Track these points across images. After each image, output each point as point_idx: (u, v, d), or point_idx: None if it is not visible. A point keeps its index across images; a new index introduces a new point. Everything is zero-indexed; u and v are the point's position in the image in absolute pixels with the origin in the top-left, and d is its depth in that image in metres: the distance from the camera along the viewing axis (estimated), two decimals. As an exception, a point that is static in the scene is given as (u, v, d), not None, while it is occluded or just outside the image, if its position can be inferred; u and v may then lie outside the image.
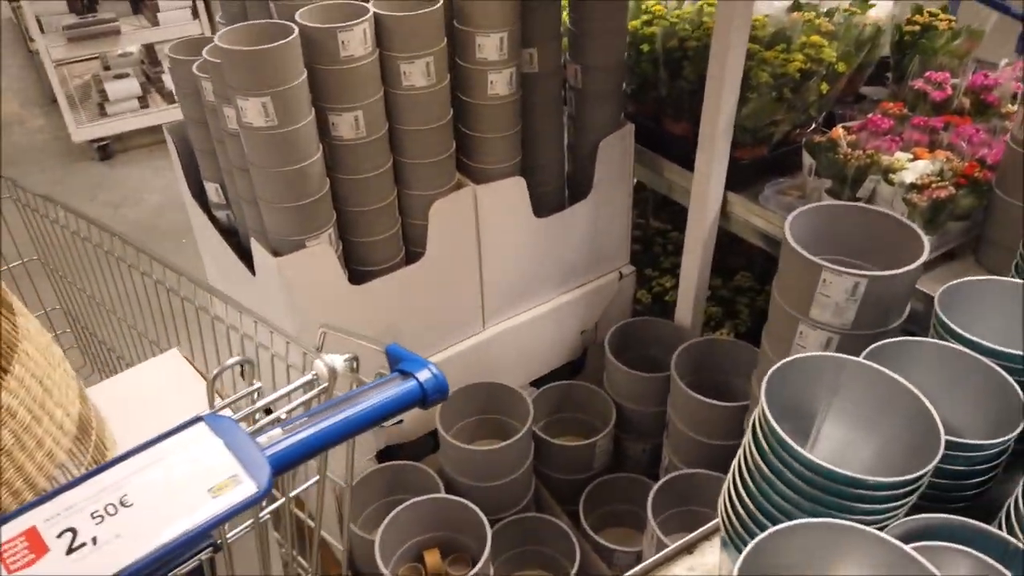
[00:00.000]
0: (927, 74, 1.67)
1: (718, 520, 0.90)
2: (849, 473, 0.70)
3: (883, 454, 0.83)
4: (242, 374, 1.47)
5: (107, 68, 4.23)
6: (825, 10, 1.81)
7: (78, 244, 1.39)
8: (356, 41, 1.28)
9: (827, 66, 1.59)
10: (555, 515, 1.72)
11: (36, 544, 0.57)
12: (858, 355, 1.10)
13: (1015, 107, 1.61)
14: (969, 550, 0.68)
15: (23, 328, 0.81)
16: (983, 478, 0.82)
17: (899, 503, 0.73)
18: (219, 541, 0.90)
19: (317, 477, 0.99)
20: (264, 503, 0.96)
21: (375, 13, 1.31)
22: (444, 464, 1.69)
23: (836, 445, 0.87)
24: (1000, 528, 0.74)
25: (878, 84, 1.98)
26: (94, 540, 0.57)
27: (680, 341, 1.82)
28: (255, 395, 0.79)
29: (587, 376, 2.07)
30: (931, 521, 0.70)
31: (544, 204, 1.76)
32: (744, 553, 0.65)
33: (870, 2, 1.89)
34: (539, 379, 1.96)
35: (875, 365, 0.80)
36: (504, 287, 1.73)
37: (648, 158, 1.85)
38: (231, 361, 0.77)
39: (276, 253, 1.40)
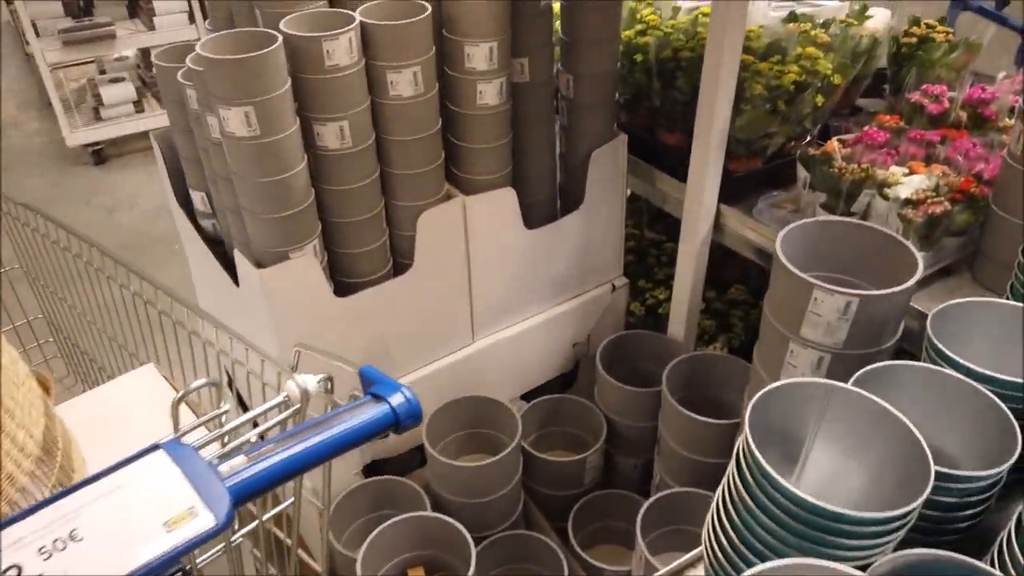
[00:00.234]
0: (924, 87, 1.64)
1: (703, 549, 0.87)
2: (834, 508, 0.67)
3: (873, 483, 0.80)
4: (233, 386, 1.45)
5: (103, 72, 4.22)
6: (821, 21, 1.79)
7: (58, 254, 1.37)
8: (342, 50, 1.26)
9: (822, 78, 1.56)
10: (544, 532, 1.69)
11: (-22, 582, 0.54)
12: (850, 375, 1.08)
13: (1013, 121, 1.59)
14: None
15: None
16: (975, 510, 0.79)
17: (887, 538, 0.70)
18: (188, 567, 0.87)
19: (293, 499, 0.96)
20: (236, 526, 0.94)
21: (361, 22, 1.29)
22: (431, 480, 1.66)
23: (825, 472, 0.84)
24: (992, 564, 0.72)
25: (875, 96, 1.95)
26: (39, 579, 0.55)
27: (673, 355, 1.79)
28: (222, 418, 0.76)
29: (579, 389, 2.04)
30: (922, 557, 0.68)
31: (535, 215, 1.73)
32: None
33: (867, 13, 1.88)
34: (530, 392, 1.94)
35: (863, 392, 0.77)
36: (494, 299, 1.71)
37: (641, 169, 1.83)
38: (196, 384, 0.74)
39: (259, 264, 1.37)
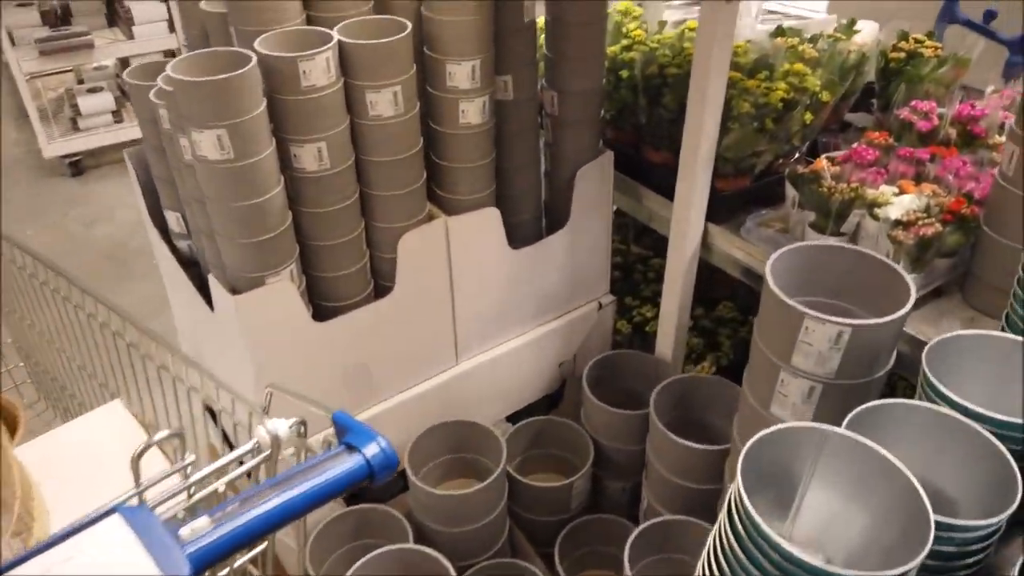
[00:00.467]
0: (913, 103, 1.62)
1: (694, 595, 0.84)
2: (831, 569, 0.64)
3: (873, 528, 0.77)
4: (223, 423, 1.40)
5: (81, 82, 4.15)
6: (809, 36, 1.77)
7: (24, 279, 1.32)
8: (319, 70, 1.22)
9: (811, 95, 1.54)
10: (529, 559, 1.65)
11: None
12: (842, 405, 1.05)
13: (1002, 138, 1.57)
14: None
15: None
16: (975, 558, 0.76)
17: (886, 594, 0.67)
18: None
19: (266, 543, 0.92)
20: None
21: (339, 41, 1.25)
22: (413, 507, 1.62)
23: (822, 517, 0.81)
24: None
25: (863, 110, 1.94)
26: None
27: (661, 375, 1.76)
28: (187, 470, 0.72)
29: (565, 409, 2.00)
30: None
31: (520, 234, 1.70)
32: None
33: (855, 28, 1.86)
34: (515, 412, 1.90)
35: (859, 438, 0.74)
36: (478, 321, 1.67)
37: (628, 186, 1.80)
38: (157, 437, 0.70)
39: (235, 290, 1.33)
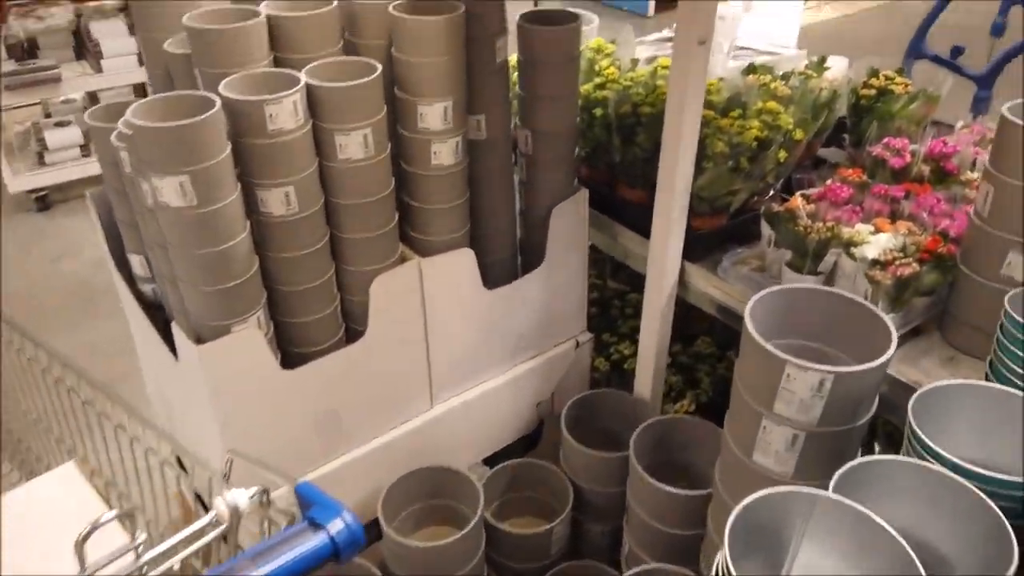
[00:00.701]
0: (885, 140, 1.63)
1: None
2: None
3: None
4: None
5: (48, 115, 4.08)
6: (780, 73, 1.77)
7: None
8: (286, 113, 1.19)
9: (784, 133, 1.54)
10: (509, 609, 1.60)
11: None
12: (826, 452, 1.02)
13: (974, 174, 1.58)
14: None
15: None
16: (971, 623, 0.74)
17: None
18: None
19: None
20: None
21: (307, 83, 1.22)
22: (387, 558, 1.56)
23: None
24: None
25: (835, 145, 1.94)
26: None
27: (640, 415, 1.73)
28: (139, 549, 0.67)
29: (544, 448, 1.96)
30: None
31: (495, 274, 1.67)
32: None
33: (825, 65, 1.87)
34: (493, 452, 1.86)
35: (848, 503, 0.72)
36: (453, 363, 1.63)
37: (603, 223, 1.78)
38: (106, 517, 0.65)
39: (199, 339, 1.28)
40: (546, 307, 1.74)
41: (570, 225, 1.67)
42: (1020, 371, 0.97)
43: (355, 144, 1.27)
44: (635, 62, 1.82)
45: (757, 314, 1.13)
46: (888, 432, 1.82)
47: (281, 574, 0.62)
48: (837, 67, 1.94)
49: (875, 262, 1.33)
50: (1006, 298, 1.06)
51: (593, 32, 1.96)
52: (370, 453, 1.57)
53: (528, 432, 1.91)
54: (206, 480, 0.91)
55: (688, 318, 2.10)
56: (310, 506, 0.68)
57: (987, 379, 1.07)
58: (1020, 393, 0.90)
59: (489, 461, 1.85)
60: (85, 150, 3.89)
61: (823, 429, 1.06)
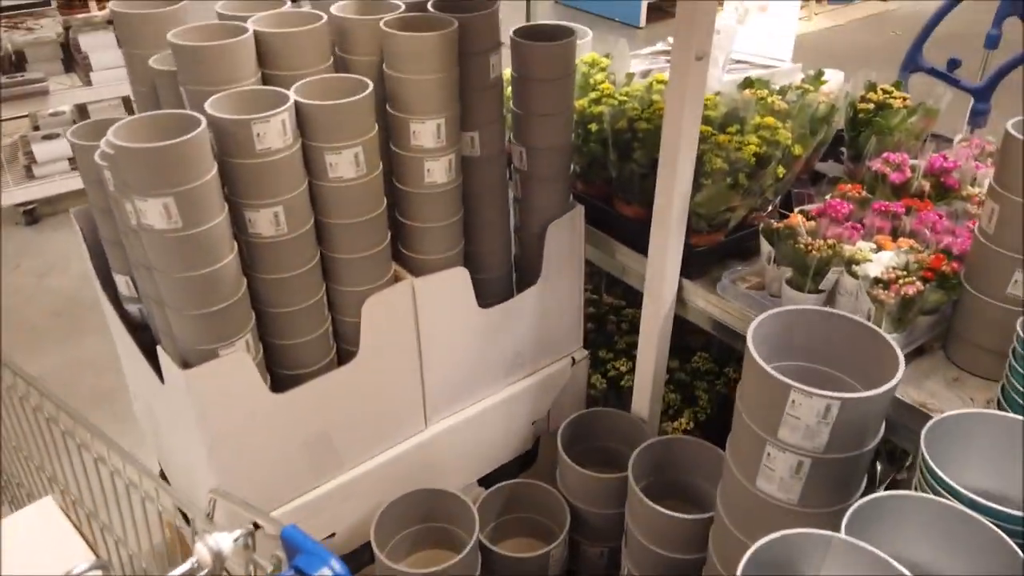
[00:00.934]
0: (885, 155, 1.61)
1: None
2: None
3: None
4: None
5: (37, 128, 4.03)
6: (777, 88, 1.75)
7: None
8: (274, 133, 1.15)
9: (783, 149, 1.51)
10: (505, 636, 1.56)
11: None
12: (833, 479, 0.99)
13: (976, 189, 1.56)
14: None
15: None
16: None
17: None
18: None
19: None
20: None
21: (296, 101, 1.19)
22: (381, 585, 1.52)
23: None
24: None
25: (832, 159, 1.92)
26: None
27: (638, 434, 1.70)
28: (116, 600, 0.63)
29: (540, 466, 1.93)
30: None
31: (490, 292, 1.64)
32: None
33: (822, 78, 1.85)
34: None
35: (862, 544, 0.68)
36: (447, 383, 1.60)
37: (600, 240, 1.75)
38: (78, 569, 0.62)
39: (185, 363, 1.24)
40: (542, 325, 1.71)
41: (566, 242, 1.64)
42: (1032, 397, 0.95)
43: (346, 163, 1.24)
44: (630, 76, 1.80)
45: (759, 337, 1.10)
46: (889, 450, 1.79)
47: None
48: (833, 80, 1.92)
49: (877, 280, 1.31)
50: (1018, 322, 1.03)
51: (587, 46, 1.94)
52: (363, 476, 1.53)
53: (524, 451, 1.87)
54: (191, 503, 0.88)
55: (684, 332, 2.08)
56: (296, 553, 0.65)
57: (999, 405, 1.05)
58: (1032, 420, 0.87)
59: (484, 479, 1.81)
60: (74, 163, 3.84)
61: (829, 456, 1.03)
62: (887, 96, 1.76)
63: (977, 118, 2.17)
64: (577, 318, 1.80)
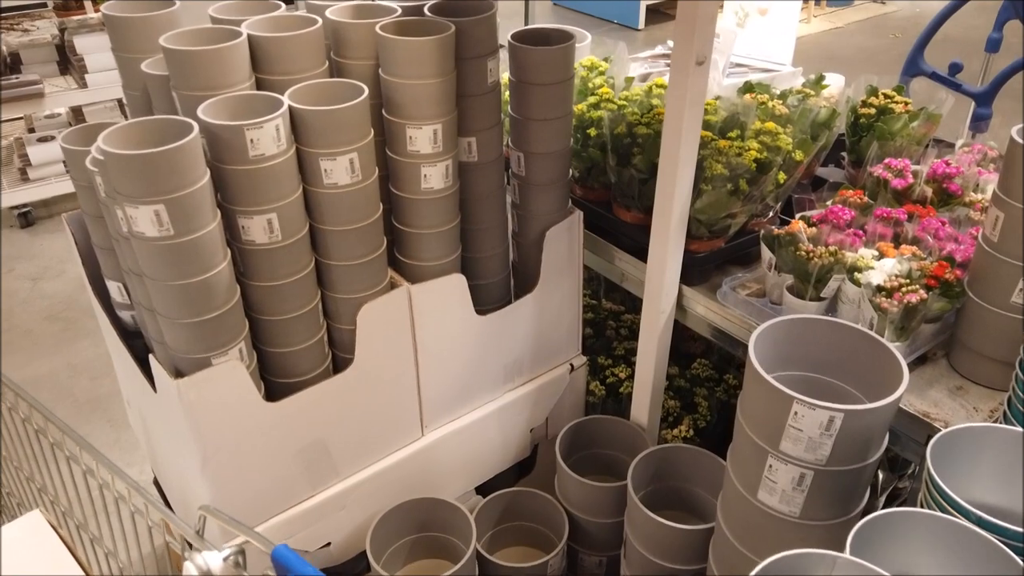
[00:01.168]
0: (887, 161, 1.59)
1: None
2: None
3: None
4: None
5: (32, 130, 4.01)
6: (778, 92, 1.74)
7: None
8: (268, 139, 1.14)
9: (784, 155, 1.50)
10: (503, 647, 1.54)
11: None
12: (835, 492, 0.98)
13: (978, 196, 1.54)
14: None
15: None
16: None
17: None
18: None
19: None
20: None
21: (290, 107, 1.17)
22: (376, 596, 1.50)
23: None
24: None
25: (833, 163, 1.91)
26: None
27: (637, 441, 1.68)
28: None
29: (538, 474, 1.91)
30: None
31: (487, 298, 1.62)
32: None
33: (823, 83, 1.83)
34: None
35: (867, 566, 0.67)
36: (444, 390, 1.58)
37: (599, 246, 1.73)
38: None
39: (178, 372, 1.22)
40: (540, 331, 1.69)
41: (564, 248, 1.63)
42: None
43: (341, 169, 1.22)
44: (629, 80, 1.78)
45: (761, 346, 1.09)
46: (891, 458, 1.78)
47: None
48: (834, 84, 1.90)
49: (880, 288, 1.29)
50: (1024, 334, 1.01)
51: (586, 50, 1.92)
52: (359, 485, 1.51)
53: (522, 458, 1.86)
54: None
55: (684, 338, 2.06)
56: (287, 573, 0.63)
57: (1004, 417, 1.03)
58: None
59: (482, 487, 1.79)
60: (69, 166, 3.82)
61: (832, 468, 1.01)
62: (888, 101, 1.75)
63: (979, 123, 2.16)
64: (575, 324, 1.78)
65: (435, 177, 1.36)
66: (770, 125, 1.53)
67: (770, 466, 1.06)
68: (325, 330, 1.41)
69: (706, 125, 1.51)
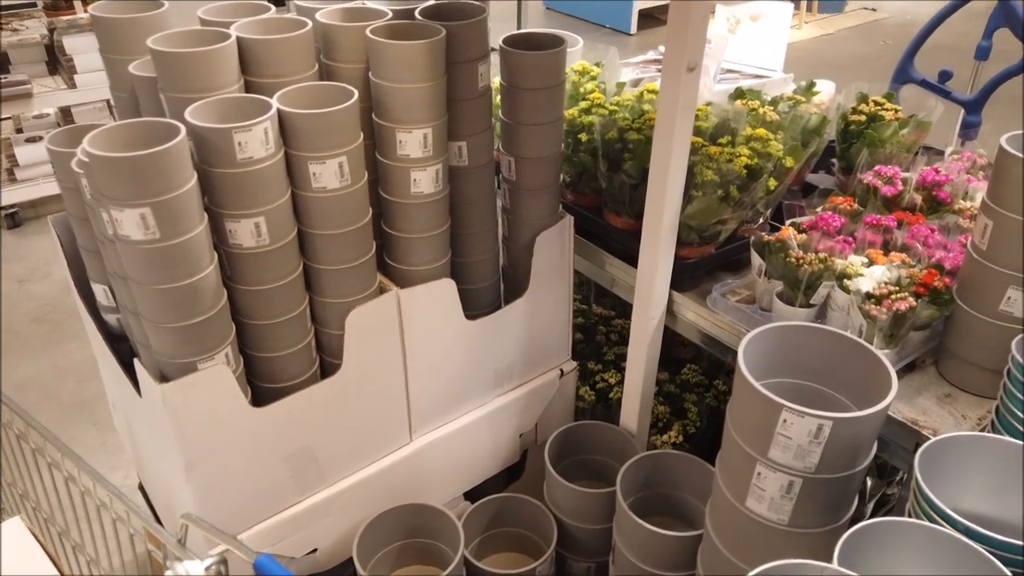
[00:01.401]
0: (877, 168, 1.59)
1: None
2: None
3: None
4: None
5: (20, 131, 3.98)
6: (769, 98, 1.74)
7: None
8: (256, 142, 1.13)
9: (774, 161, 1.50)
10: (491, 654, 1.53)
11: None
12: (824, 500, 0.97)
13: (967, 203, 1.55)
14: None
15: None
16: None
17: None
18: None
19: None
20: None
21: (279, 110, 1.16)
22: (363, 603, 1.49)
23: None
24: None
25: (823, 170, 1.91)
26: None
27: (626, 447, 1.68)
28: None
29: (528, 479, 1.90)
30: None
31: (477, 303, 1.61)
32: None
33: (814, 89, 1.84)
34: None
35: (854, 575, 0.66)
36: (433, 396, 1.57)
37: (590, 251, 1.73)
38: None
39: (163, 376, 1.21)
40: (530, 336, 1.68)
41: (554, 253, 1.62)
42: (1026, 418, 0.93)
43: (330, 173, 1.21)
44: (621, 85, 1.78)
45: (750, 354, 1.08)
46: (880, 464, 1.78)
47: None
48: (825, 91, 1.91)
49: (869, 296, 1.29)
50: (1013, 344, 1.01)
51: (577, 54, 1.92)
52: (346, 491, 1.50)
53: (511, 464, 1.85)
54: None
55: (674, 344, 2.06)
56: (270, 584, 0.62)
57: (992, 426, 1.03)
58: (1028, 443, 0.86)
59: (471, 492, 1.78)
60: (58, 166, 3.79)
61: (821, 476, 1.01)
62: (879, 108, 1.75)
63: (968, 130, 2.17)
64: (566, 330, 1.78)
65: (425, 181, 1.35)
66: (761, 131, 1.53)
67: (759, 473, 1.06)
68: (313, 335, 1.40)
69: (697, 131, 1.51)
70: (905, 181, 1.57)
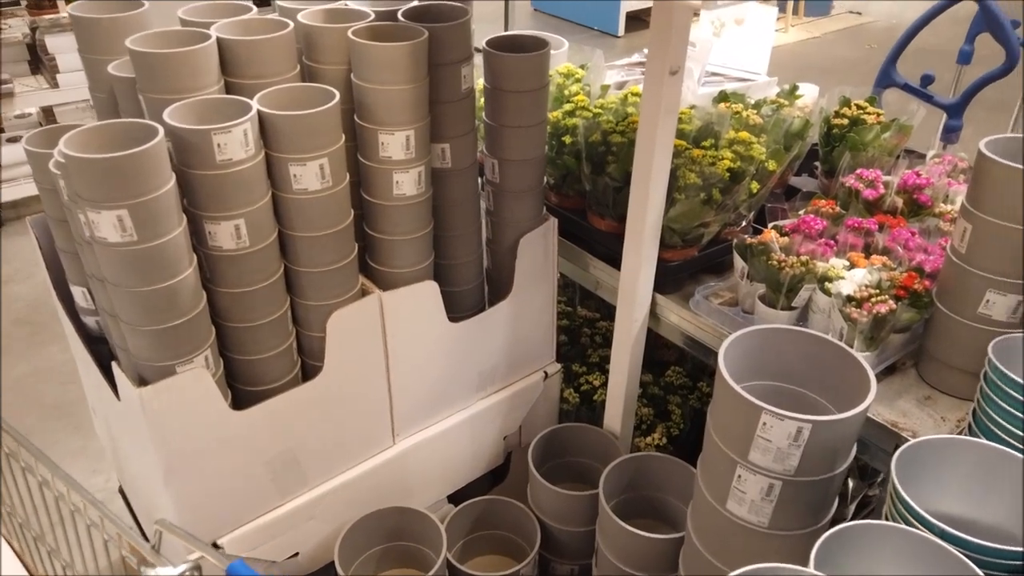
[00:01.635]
0: (858, 171, 1.60)
1: None
2: None
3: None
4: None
5: (1, 130, 3.94)
6: (752, 102, 1.74)
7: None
8: (235, 143, 1.12)
9: (757, 164, 1.50)
10: (473, 658, 1.53)
11: None
12: (804, 502, 0.98)
13: (948, 207, 1.56)
14: None
15: None
16: None
17: None
18: None
19: None
20: None
21: (260, 111, 1.16)
22: (345, 607, 1.48)
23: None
24: None
25: (806, 173, 1.92)
26: None
27: (610, 449, 1.68)
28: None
29: (512, 481, 1.90)
30: None
31: (460, 305, 1.61)
32: None
33: (797, 92, 1.85)
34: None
35: (834, 580, 0.66)
36: (416, 399, 1.57)
37: (574, 253, 1.73)
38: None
39: (141, 380, 1.20)
40: (513, 339, 1.68)
41: (538, 255, 1.62)
42: (1003, 423, 0.93)
43: (311, 175, 1.20)
44: (605, 88, 1.78)
45: (731, 356, 1.08)
46: (861, 465, 1.79)
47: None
48: (808, 94, 1.92)
49: (850, 298, 1.30)
50: (989, 348, 1.02)
51: (562, 56, 1.92)
52: (328, 494, 1.50)
53: (495, 466, 1.84)
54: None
55: (658, 346, 2.06)
56: (243, 591, 0.61)
57: (969, 429, 1.04)
58: (1010, 451, 0.86)
59: (455, 495, 1.78)
60: (40, 166, 3.76)
61: (800, 478, 1.02)
62: (861, 112, 1.76)
63: (949, 134, 2.18)
64: (549, 332, 1.78)
65: (407, 183, 1.35)
66: (744, 135, 1.53)
67: (739, 476, 1.06)
68: (294, 337, 1.39)
69: (680, 134, 1.52)
70: (887, 184, 1.58)
